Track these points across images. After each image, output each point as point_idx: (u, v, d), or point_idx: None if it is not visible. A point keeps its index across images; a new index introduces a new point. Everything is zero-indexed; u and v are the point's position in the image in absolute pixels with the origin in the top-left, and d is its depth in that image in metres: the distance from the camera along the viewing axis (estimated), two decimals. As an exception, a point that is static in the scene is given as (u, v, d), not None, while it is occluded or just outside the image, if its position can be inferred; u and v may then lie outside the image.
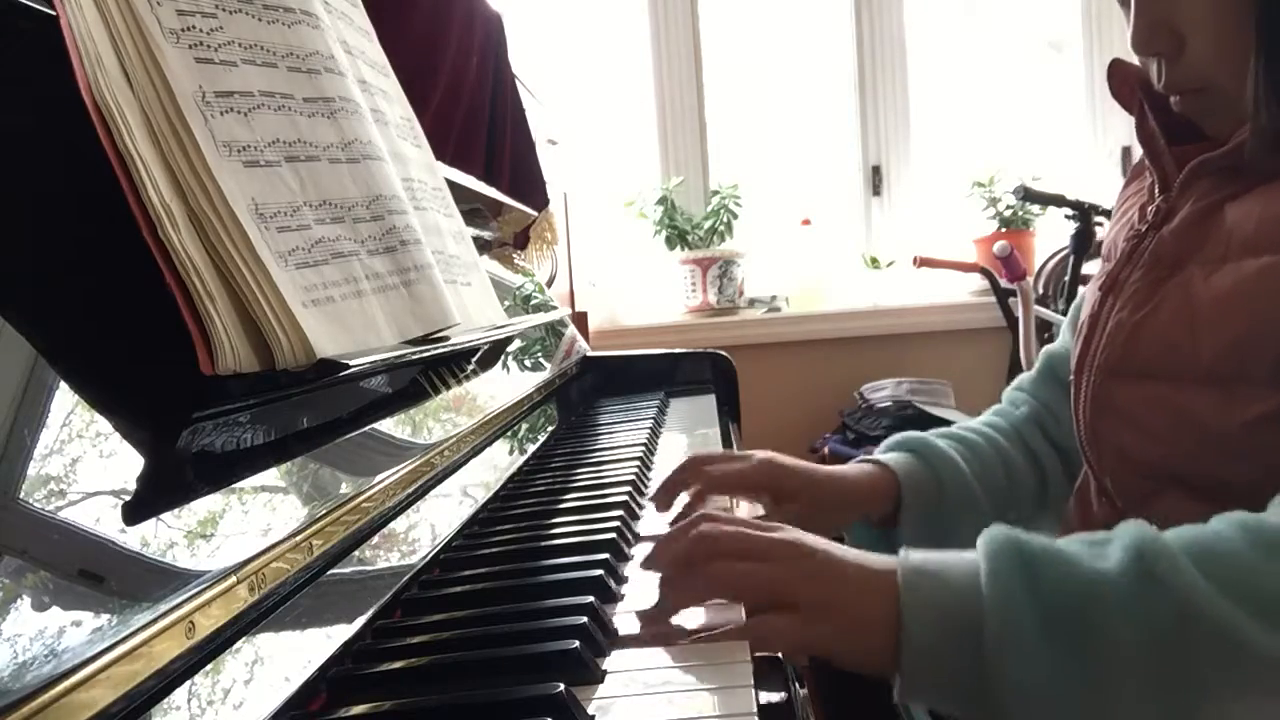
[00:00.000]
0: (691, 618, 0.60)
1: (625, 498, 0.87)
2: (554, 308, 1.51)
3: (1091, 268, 2.13)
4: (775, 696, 0.51)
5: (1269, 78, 0.67)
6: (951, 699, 0.57)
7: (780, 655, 0.56)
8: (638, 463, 1.03)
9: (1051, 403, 1.01)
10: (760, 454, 0.87)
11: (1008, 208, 2.60)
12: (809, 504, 0.86)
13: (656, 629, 0.59)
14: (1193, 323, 0.70)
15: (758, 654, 0.55)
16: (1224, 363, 0.68)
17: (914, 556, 0.58)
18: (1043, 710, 0.53)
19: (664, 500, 0.83)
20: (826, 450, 2.29)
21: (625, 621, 0.61)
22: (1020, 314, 2.19)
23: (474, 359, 1.02)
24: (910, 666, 0.55)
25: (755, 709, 0.48)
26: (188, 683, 0.42)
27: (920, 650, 0.55)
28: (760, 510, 0.90)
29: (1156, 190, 0.80)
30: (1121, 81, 0.83)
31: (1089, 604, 0.54)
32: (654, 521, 0.84)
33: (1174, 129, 0.79)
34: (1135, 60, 0.80)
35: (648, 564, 0.64)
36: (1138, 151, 0.88)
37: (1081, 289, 0.88)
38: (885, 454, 0.93)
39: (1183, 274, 0.73)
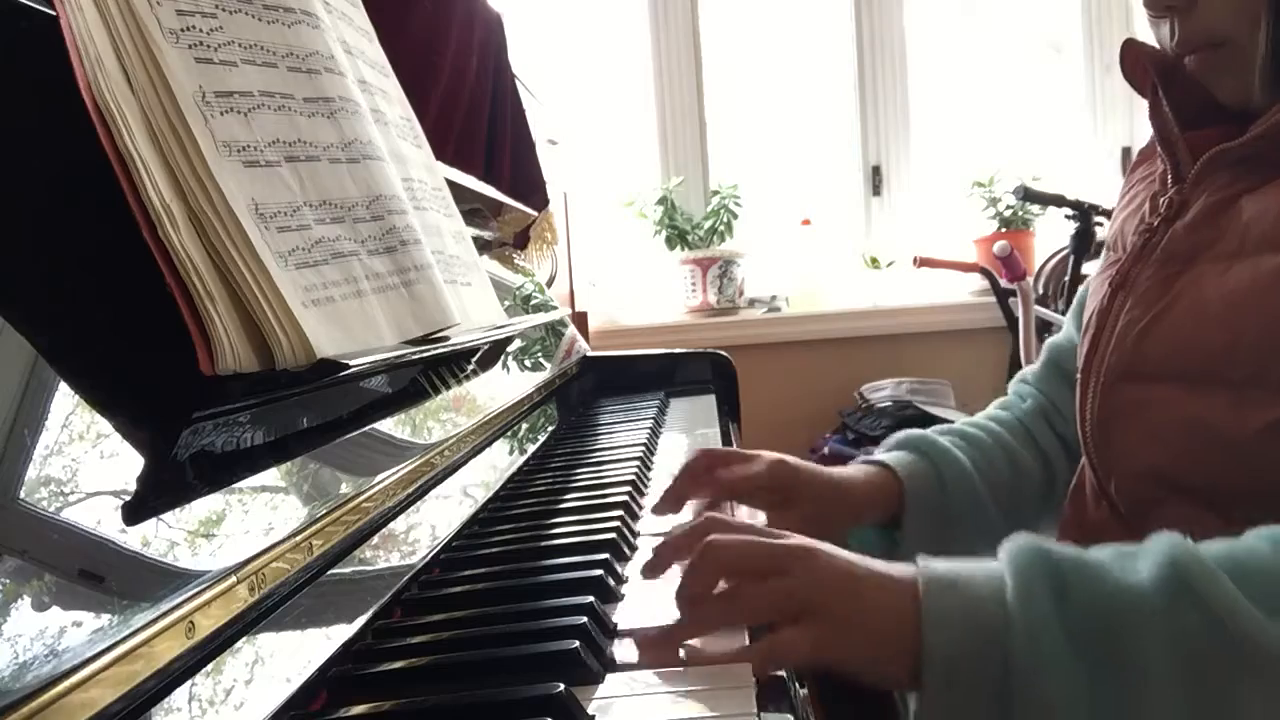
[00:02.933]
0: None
1: (625, 498, 0.87)
2: (554, 308, 1.51)
3: (1091, 268, 2.13)
4: (775, 697, 0.51)
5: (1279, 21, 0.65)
6: (972, 717, 0.54)
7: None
8: (638, 463, 1.03)
9: (1056, 396, 0.98)
10: (770, 455, 0.84)
11: (1008, 208, 2.60)
12: (817, 507, 0.83)
13: (661, 652, 0.55)
14: (1205, 322, 0.68)
15: (773, 673, 0.53)
16: (1238, 365, 0.65)
17: (935, 566, 0.56)
18: None
19: (672, 506, 0.80)
20: (826, 450, 2.29)
21: (626, 621, 0.61)
22: (1020, 314, 2.19)
23: (474, 359, 1.02)
24: (931, 682, 0.52)
25: (755, 709, 0.48)
26: (188, 683, 0.42)
27: (942, 665, 0.52)
28: (762, 516, 0.88)
29: (1169, 180, 0.77)
30: (1134, 62, 0.80)
31: (1120, 619, 0.52)
32: (654, 521, 0.84)
33: (1187, 115, 0.76)
34: (1150, 42, 0.78)
35: (650, 571, 0.63)
36: (1138, 151, 0.87)
37: (1095, 282, 0.86)
38: (887, 454, 0.91)
39: (1195, 270, 0.71)
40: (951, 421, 1.01)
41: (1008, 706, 0.51)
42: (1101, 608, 0.52)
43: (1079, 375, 0.81)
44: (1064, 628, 0.52)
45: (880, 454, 0.92)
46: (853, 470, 0.90)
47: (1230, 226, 0.69)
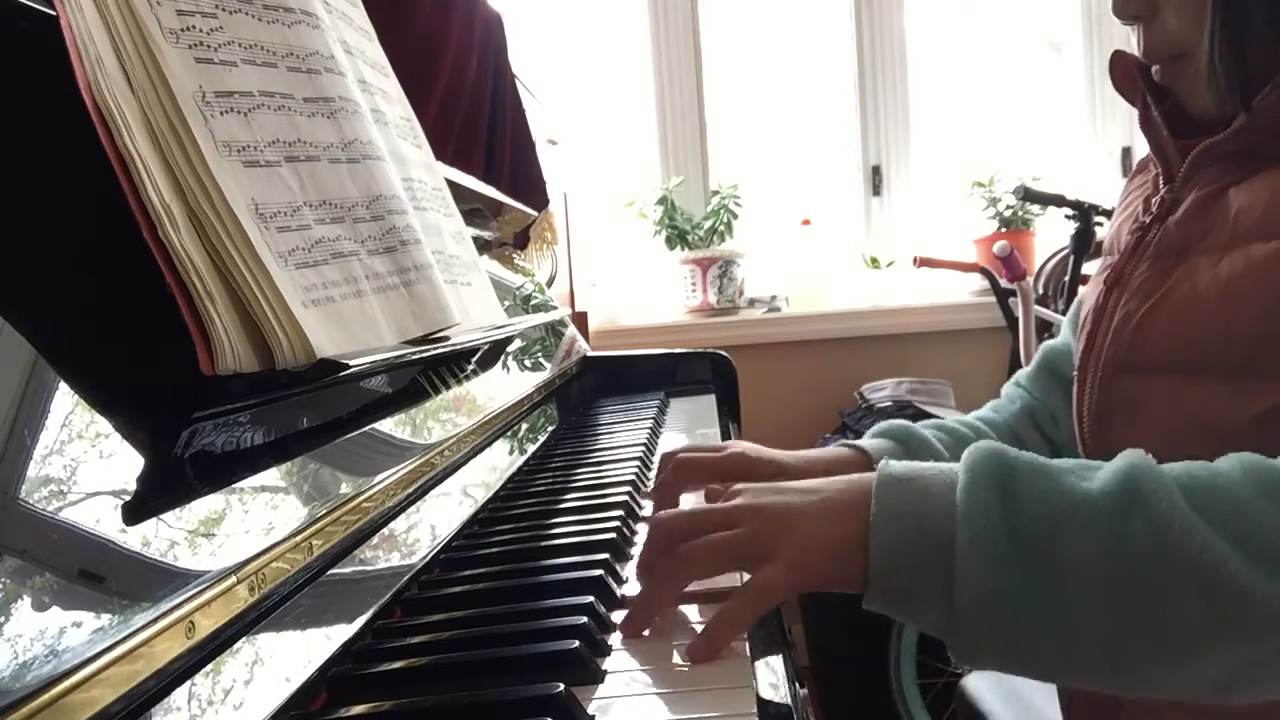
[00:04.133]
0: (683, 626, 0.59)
1: (625, 498, 0.87)
2: (554, 308, 1.51)
3: (1091, 268, 2.13)
4: (775, 696, 0.51)
5: (1223, 36, 0.67)
6: (918, 609, 0.56)
7: (781, 656, 0.56)
8: (638, 463, 1.03)
9: (1046, 398, 0.99)
10: (734, 445, 0.86)
11: (1008, 208, 2.60)
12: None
13: (637, 626, 0.58)
14: (1200, 312, 0.69)
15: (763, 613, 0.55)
16: (1232, 354, 0.67)
17: (892, 465, 0.58)
18: (1009, 625, 0.52)
19: (658, 504, 0.82)
20: (826, 450, 2.28)
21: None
22: (1020, 314, 2.19)
23: (474, 359, 1.02)
24: (876, 568, 0.55)
25: (755, 709, 0.48)
26: (188, 683, 0.42)
27: (887, 551, 0.55)
28: None
29: (1161, 182, 0.79)
30: (1123, 72, 0.82)
31: (1063, 521, 0.53)
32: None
33: (1177, 122, 0.78)
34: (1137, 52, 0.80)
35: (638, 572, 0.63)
36: (1138, 151, 0.88)
37: (1082, 289, 0.87)
38: (866, 440, 0.92)
39: (1189, 263, 0.72)
40: (951, 421, 1.01)
41: (950, 597, 0.53)
42: (1048, 508, 0.54)
43: (1075, 373, 0.82)
44: (1008, 522, 0.53)
45: (862, 440, 0.92)
46: (824, 451, 0.91)
47: (1220, 218, 0.71)
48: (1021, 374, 1.06)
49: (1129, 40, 0.77)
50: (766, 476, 0.85)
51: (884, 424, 0.94)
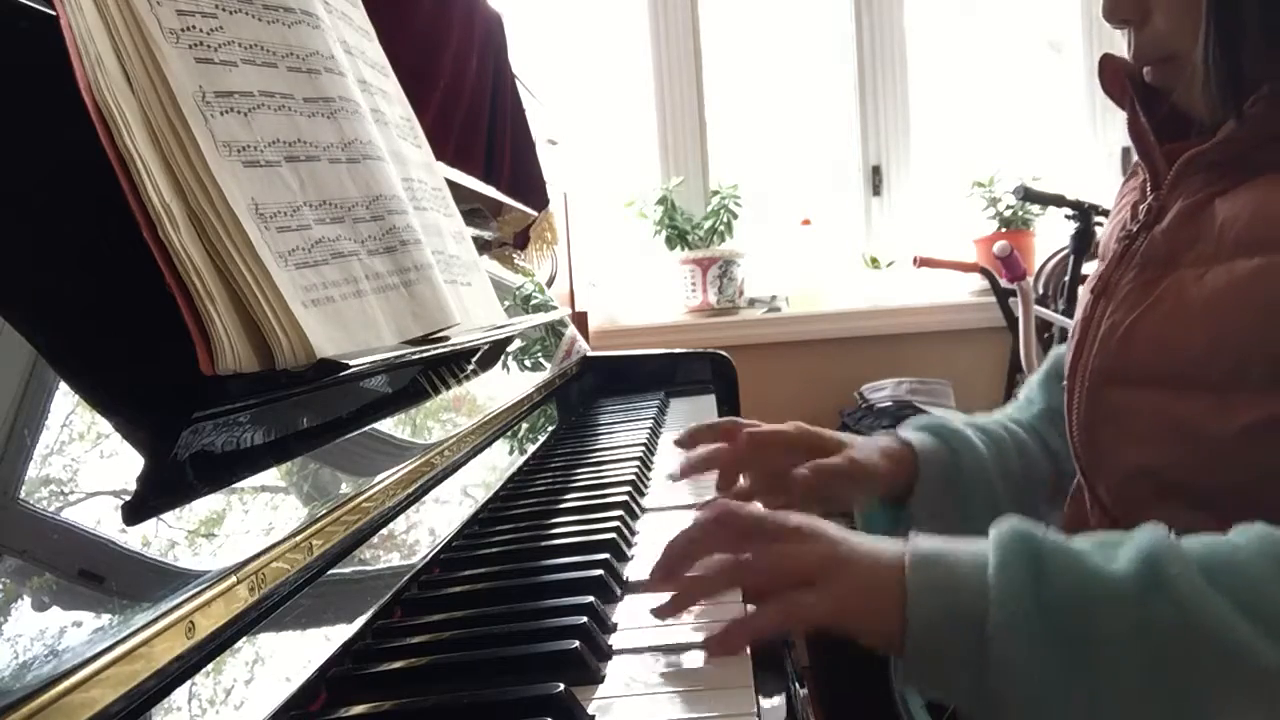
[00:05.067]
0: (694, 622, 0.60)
1: (625, 498, 0.87)
2: (554, 308, 1.51)
3: (1091, 268, 2.13)
4: (775, 697, 0.51)
5: (1218, 41, 0.67)
6: (950, 685, 0.57)
7: (782, 656, 0.56)
8: (638, 463, 1.03)
9: (1055, 401, 1.00)
10: (793, 423, 0.89)
11: (1008, 208, 2.60)
12: (841, 466, 0.85)
13: (669, 605, 0.60)
14: (1186, 325, 0.70)
15: (758, 655, 0.55)
16: (1218, 366, 0.67)
17: (923, 542, 0.59)
18: (1038, 703, 0.53)
19: (689, 441, 0.85)
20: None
21: (625, 619, 0.61)
22: (1020, 314, 2.19)
23: (474, 359, 1.02)
24: (912, 648, 0.56)
25: (755, 709, 0.48)
26: (188, 683, 0.42)
27: (923, 633, 0.55)
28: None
29: (1148, 188, 0.79)
30: (1112, 76, 0.83)
31: (1093, 602, 0.54)
32: (654, 523, 0.84)
33: (1165, 126, 0.78)
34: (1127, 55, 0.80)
35: (665, 564, 0.63)
36: (1132, 164, 0.88)
37: (1081, 289, 0.87)
38: (912, 434, 0.93)
39: (1175, 275, 0.72)
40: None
41: (981, 674, 0.54)
42: (1077, 589, 0.55)
43: (1065, 382, 0.83)
44: (1038, 603, 0.54)
45: (909, 434, 0.93)
46: (866, 439, 0.92)
47: (1206, 230, 0.71)
48: (1033, 379, 1.07)
49: (1127, 40, 0.76)
50: (832, 447, 0.87)
51: (928, 419, 0.96)
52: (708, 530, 0.63)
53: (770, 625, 0.57)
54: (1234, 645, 0.52)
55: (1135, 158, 0.84)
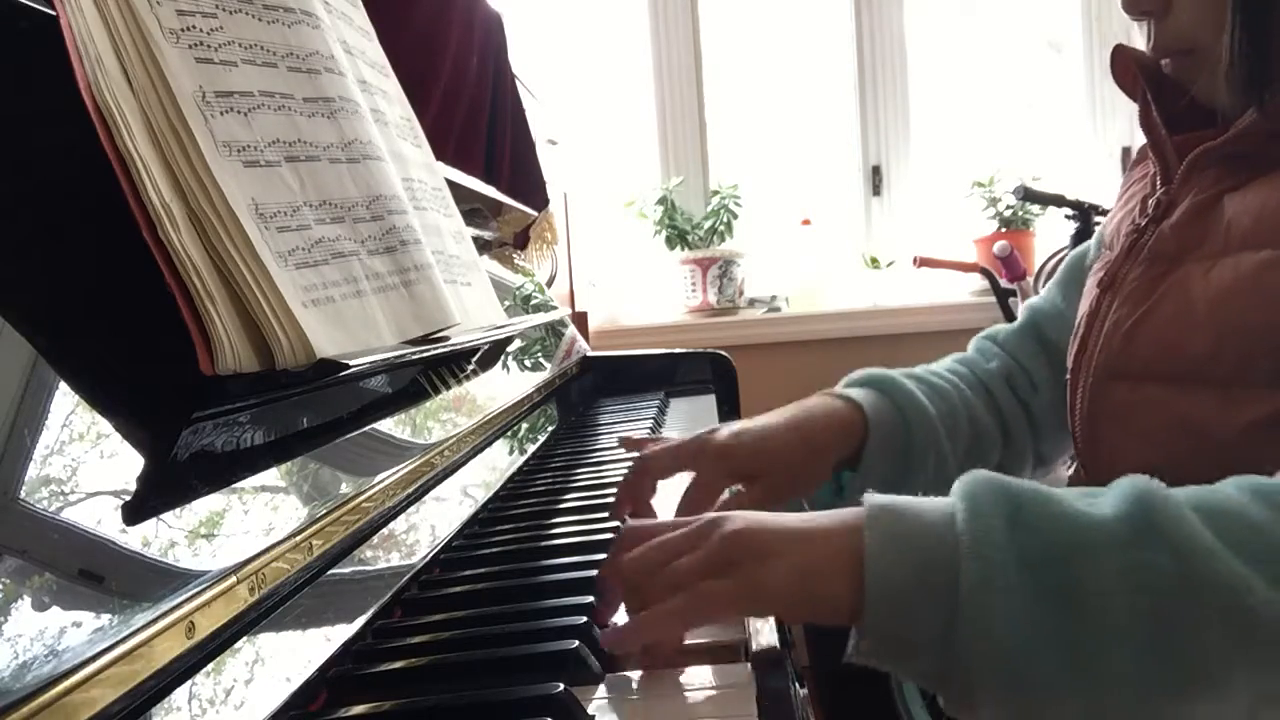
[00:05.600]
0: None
1: (625, 498, 0.86)
2: (554, 308, 1.51)
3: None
4: (775, 697, 0.51)
5: (1244, 33, 0.67)
6: (915, 653, 0.51)
7: (783, 656, 0.56)
8: (638, 463, 1.03)
9: (1027, 361, 0.96)
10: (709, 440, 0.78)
11: (1008, 208, 2.59)
12: (789, 470, 0.79)
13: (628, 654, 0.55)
14: (1191, 321, 0.69)
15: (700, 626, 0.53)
16: (1222, 364, 0.66)
17: (880, 497, 0.53)
18: (1018, 670, 0.48)
19: (621, 512, 0.77)
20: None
21: (625, 618, 0.61)
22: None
23: (474, 359, 1.02)
24: (873, 612, 0.50)
25: (755, 709, 0.48)
26: (188, 683, 0.42)
27: (883, 594, 0.49)
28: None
29: (1158, 182, 0.79)
30: (1124, 67, 0.82)
31: (1078, 549, 0.49)
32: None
33: (1177, 118, 0.78)
34: (1140, 46, 0.79)
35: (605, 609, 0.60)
36: (1137, 150, 0.88)
37: (1089, 282, 0.86)
38: (850, 389, 0.88)
39: (1181, 270, 0.72)
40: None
41: (952, 637, 0.49)
42: (1058, 536, 0.49)
43: (1069, 375, 0.82)
44: (1017, 553, 0.49)
45: (841, 389, 0.88)
46: (811, 403, 0.87)
47: (1214, 226, 0.70)
48: (999, 330, 1.01)
49: (1129, 38, 0.76)
50: (781, 453, 0.79)
51: (864, 372, 0.90)
52: (616, 568, 0.58)
53: (672, 622, 0.52)
54: (1235, 592, 0.47)
55: (1143, 146, 0.83)
